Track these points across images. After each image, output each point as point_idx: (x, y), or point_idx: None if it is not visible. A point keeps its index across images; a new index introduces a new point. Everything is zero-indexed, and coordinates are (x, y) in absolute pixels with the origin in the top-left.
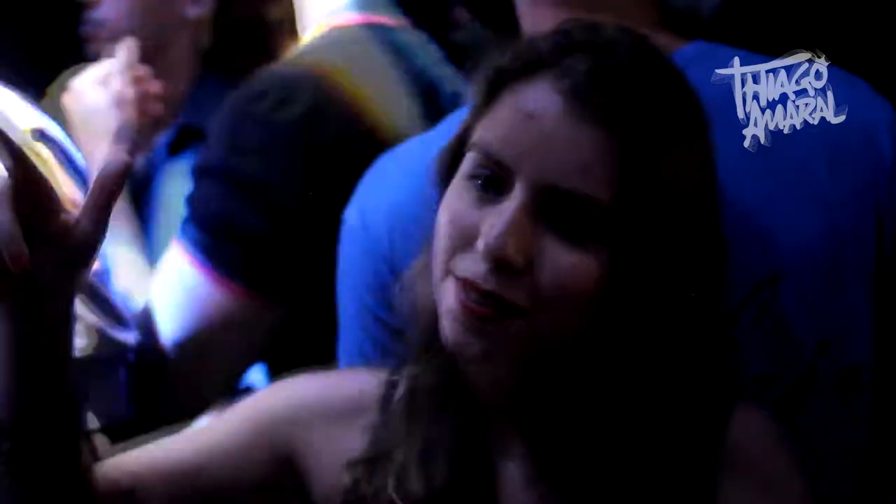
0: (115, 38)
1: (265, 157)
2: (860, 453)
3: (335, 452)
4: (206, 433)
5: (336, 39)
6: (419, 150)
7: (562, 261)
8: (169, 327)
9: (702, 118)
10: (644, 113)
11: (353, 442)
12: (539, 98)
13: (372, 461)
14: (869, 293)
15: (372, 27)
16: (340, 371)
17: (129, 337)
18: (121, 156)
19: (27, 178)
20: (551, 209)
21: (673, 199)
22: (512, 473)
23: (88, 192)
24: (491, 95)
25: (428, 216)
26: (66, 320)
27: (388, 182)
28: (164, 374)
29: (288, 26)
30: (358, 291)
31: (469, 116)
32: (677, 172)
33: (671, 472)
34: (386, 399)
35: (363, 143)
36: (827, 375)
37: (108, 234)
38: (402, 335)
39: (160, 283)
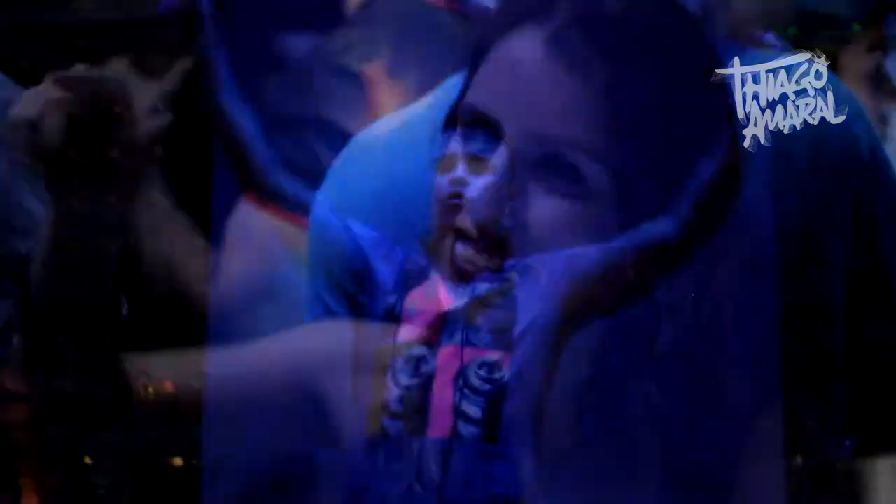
0: None
1: None
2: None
3: (361, 404)
4: (250, 353)
5: None
6: (394, 132)
7: (550, 212)
8: None
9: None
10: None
11: (378, 399)
12: (522, 46)
13: (392, 441)
14: (845, 284)
15: None
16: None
17: None
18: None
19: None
20: (538, 159)
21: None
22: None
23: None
24: (480, 54)
25: (405, 200)
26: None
27: (363, 165)
28: None
29: None
30: (337, 281)
31: (463, 80)
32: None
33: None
34: (409, 382)
35: None
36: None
37: None
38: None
39: None
